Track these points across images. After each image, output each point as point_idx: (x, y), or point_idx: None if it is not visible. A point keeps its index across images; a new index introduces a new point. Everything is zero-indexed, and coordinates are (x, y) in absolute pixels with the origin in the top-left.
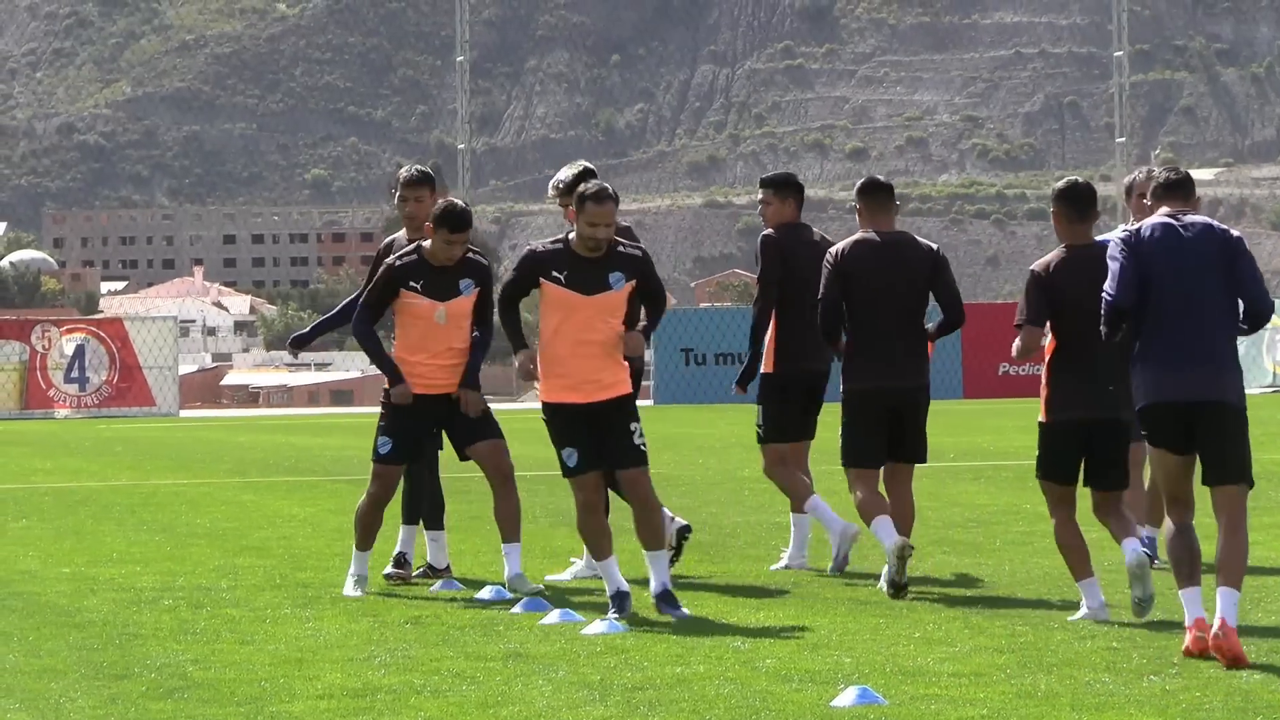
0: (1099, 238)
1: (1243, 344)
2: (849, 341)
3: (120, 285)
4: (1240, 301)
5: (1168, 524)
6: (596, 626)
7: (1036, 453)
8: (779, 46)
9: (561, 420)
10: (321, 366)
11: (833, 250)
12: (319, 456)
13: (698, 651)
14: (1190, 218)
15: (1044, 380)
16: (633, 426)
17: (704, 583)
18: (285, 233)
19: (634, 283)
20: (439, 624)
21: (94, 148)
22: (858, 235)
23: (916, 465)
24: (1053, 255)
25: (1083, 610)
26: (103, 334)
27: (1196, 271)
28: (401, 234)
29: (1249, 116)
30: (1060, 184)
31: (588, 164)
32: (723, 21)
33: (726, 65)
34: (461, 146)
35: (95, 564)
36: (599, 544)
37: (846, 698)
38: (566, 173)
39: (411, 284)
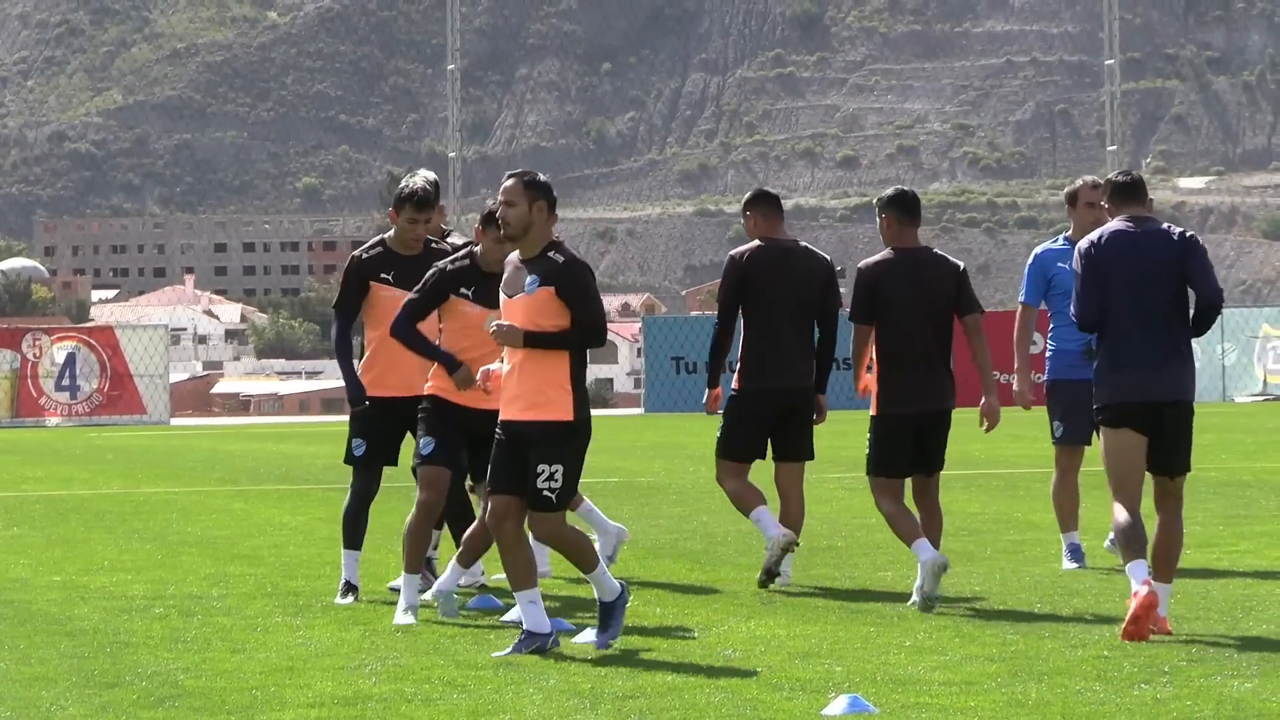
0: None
1: (1233, 352)
2: (745, 344)
3: (111, 293)
4: (1195, 298)
5: (1121, 511)
6: (587, 635)
7: (866, 449)
8: (770, 55)
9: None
10: (313, 375)
11: (732, 255)
12: (310, 465)
13: (688, 660)
14: (1146, 224)
15: (874, 377)
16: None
17: (695, 590)
18: (276, 241)
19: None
20: (430, 632)
21: (85, 156)
22: (756, 243)
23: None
24: (879, 256)
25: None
26: (94, 342)
27: (1156, 277)
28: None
29: (1240, 125)
30: (890, 192)
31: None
32: (714, 30)
33: (717, 73)
34: (452, 155)
35: (86, 572)
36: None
37: (837, 706)
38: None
39: (462, 291)
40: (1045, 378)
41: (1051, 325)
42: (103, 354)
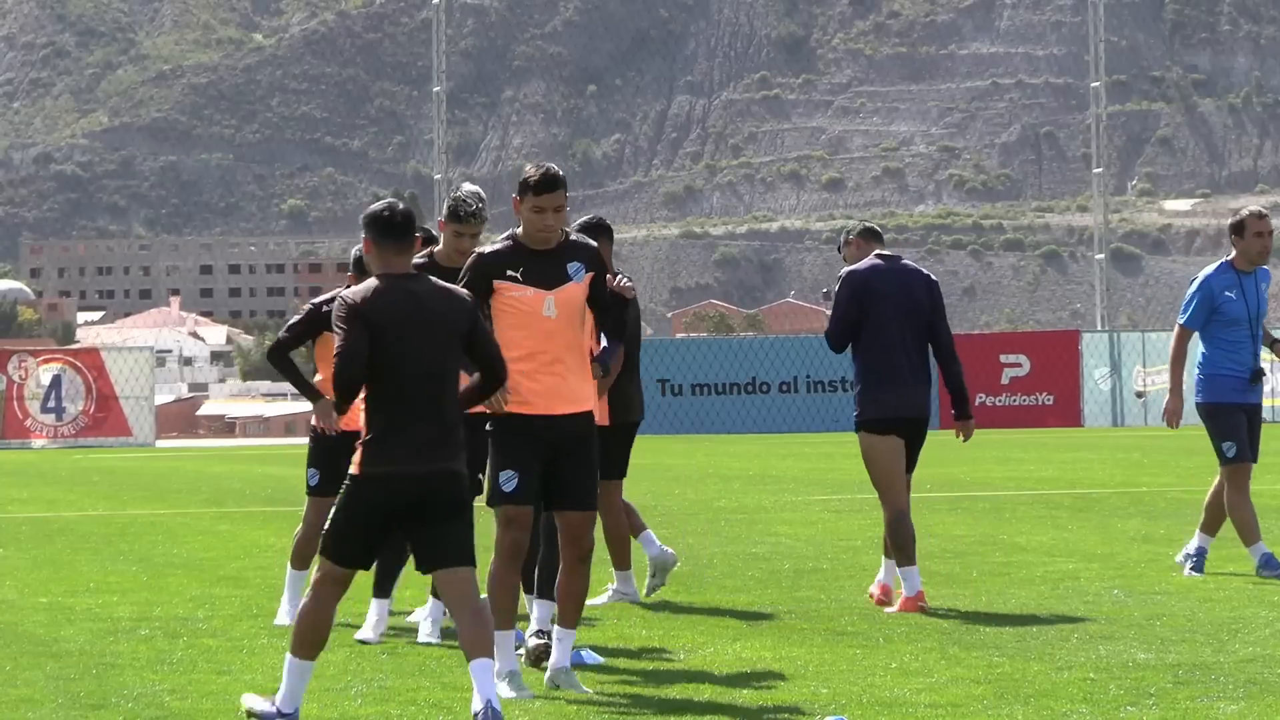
0: (1205, 271)
1: None
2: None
3: (97, 315)
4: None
5: (894, 512)
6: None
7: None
8: (755, 77)
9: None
10: (298, 397)
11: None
12: (296, 487)
13: (675, 682)
14: (898, 261)
15: (365, 428)
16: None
17: (681, 612)
18: (262, 263)
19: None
20: (415, 654)
21: (71, 178)
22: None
23: None
24: (368, 283)
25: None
26: (79, 364)
27: (910, 306)
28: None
29: (1226, 147)
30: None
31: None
32: (699, 52)
33: (703, 96)
34: (438, 177)
35: (72, 594)
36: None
37: None
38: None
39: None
40: (1201, 400)
41: (1207, 350)
42: (88, 376)
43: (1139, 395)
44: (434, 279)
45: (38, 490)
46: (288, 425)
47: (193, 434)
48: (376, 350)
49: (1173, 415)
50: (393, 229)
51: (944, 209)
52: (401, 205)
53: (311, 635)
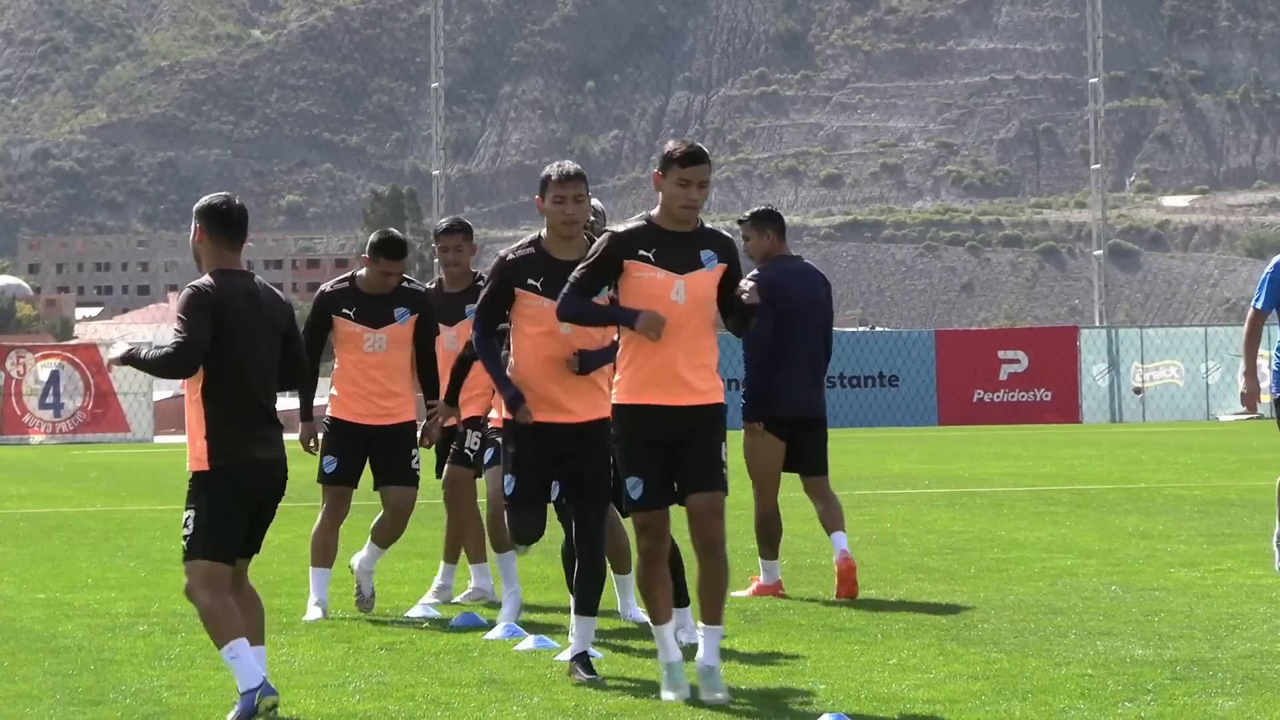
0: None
1: (1217, 371)
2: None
3: (95, 311)
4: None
5: (766, 509)
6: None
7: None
8: (753, 73)
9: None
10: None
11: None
12: (293, 483)
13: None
14: (799, 261)
15: (199, 421)
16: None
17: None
18: (260, 259)
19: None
20: (414, 650)
21: (69, 174)
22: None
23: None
24: (211, 277)
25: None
26: (77, 360)
27: (815, 309)
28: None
29: (1224, 143)
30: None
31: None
32: (697, 48)
33: (701, 92)
34: (436, 173)
35: (70, 590)
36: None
37: None
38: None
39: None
40: (1274, 391)
41: None
42: (86, 372)
43: (1137, 391)
44: (257, 278)
45: (36, 486)
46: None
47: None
48: (219, 344)
49: (1249, 398)
50: (228, 223)
51: (942, 205)
52: (237, 200)
53: (225, 623)
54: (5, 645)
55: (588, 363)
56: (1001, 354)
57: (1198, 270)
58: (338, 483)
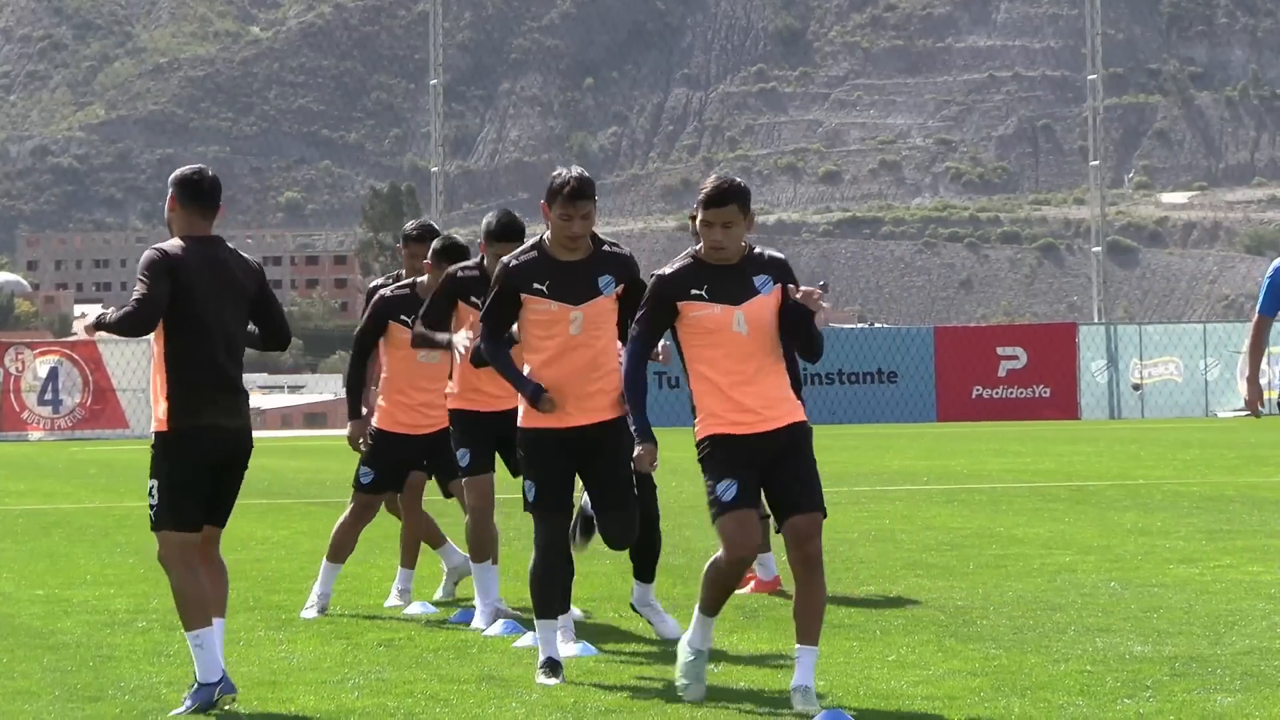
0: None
1: (1215, 368)
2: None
3: (94, 307)
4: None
5: None
6: (569, 649)
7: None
8: (752, 70)
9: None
10: (295, 389)
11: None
12: (292, 479)
13: (671, 674)
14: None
15: (162, 385)
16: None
17: (677, 606)
18: (259, 255)
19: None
20: (412, 647)
21: (68, 170)
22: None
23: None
24: (175, 240)
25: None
26: (76, 357)
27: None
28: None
29: (1222, 140)
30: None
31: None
32: (696, 45)
33: (700, 88)
34: (435, 170)
35: (69, 586)
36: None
37: None
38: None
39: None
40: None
41: None
42: (85, 368)
43: (1136, 388)
44: (229, 245)
45: (35, 483)
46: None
47: None
48: (176, 308)
49: (1250, 404)
50: (200, 194)
51: (941, 202)
52: (211, 172)
53: (196, 608)
54: (4, 641)
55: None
56: (1000, 350)
57: (1196, 267)
58: (371, 492)
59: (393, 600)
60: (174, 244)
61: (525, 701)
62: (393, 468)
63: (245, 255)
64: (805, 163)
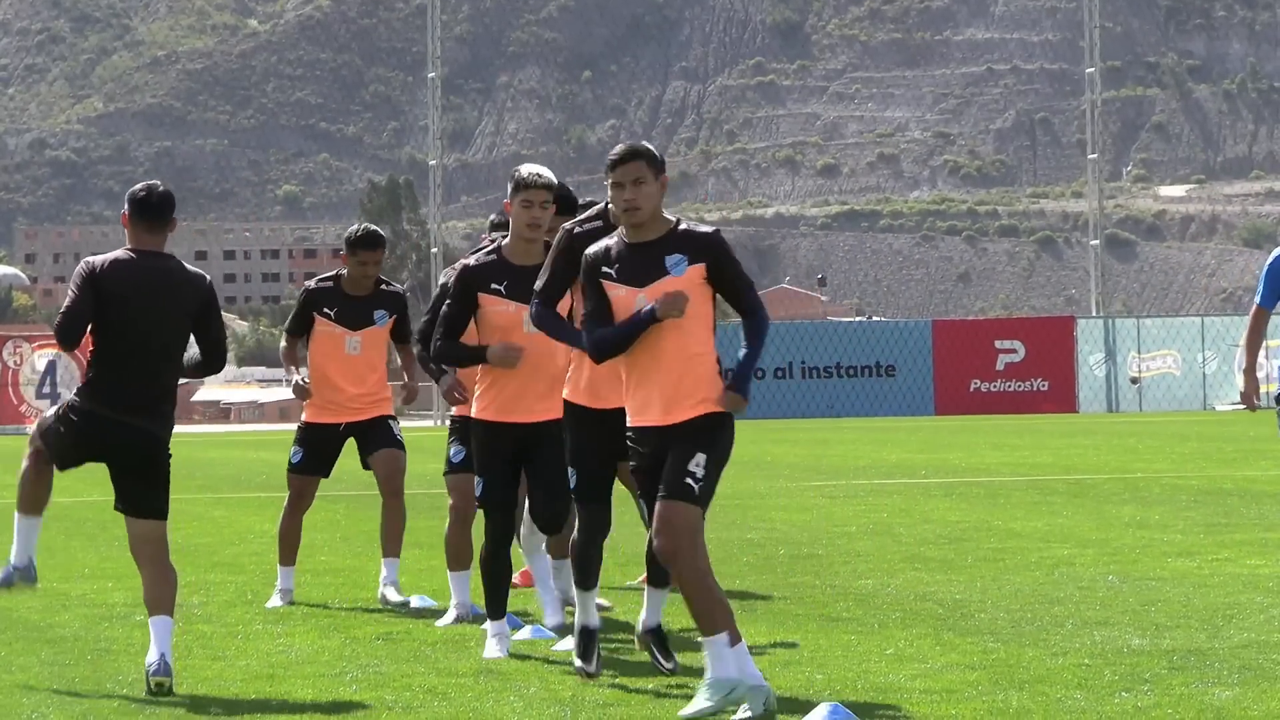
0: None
1: (1214, 361)
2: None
3: None
4: None
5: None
6: (568, 643)
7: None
8: (750, 63)
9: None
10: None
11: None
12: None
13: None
14: None
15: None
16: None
17: (675, 599)
18: (257, 249)
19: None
20: (410, 640)
21: (66, 163)
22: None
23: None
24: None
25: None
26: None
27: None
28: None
29: (1221, 133)
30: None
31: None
32: (694, 38)
33: (698, 81)
34: (433, 163)
35: (67, 580)
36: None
37: (818, 715)
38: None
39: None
40: (1278, 387)
41: None
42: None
43: (1134, 381)
44: (180, 261)
45: None
46: (282, 411)
47: (187, 420)
48: (105, 314)
49: (1246, 398)
50: (147, 210)
51: (939, 195)
52: (162, 188)
53: (32, 496)
54: (2, 635)
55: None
56: (998, 344)
57: (1194, 260)
58: (301, 473)
59: (389, 595)
60: (108, 255)
61: (523, 695)
62: (320, 452)
63: (197, 273)
64: (803, 156)
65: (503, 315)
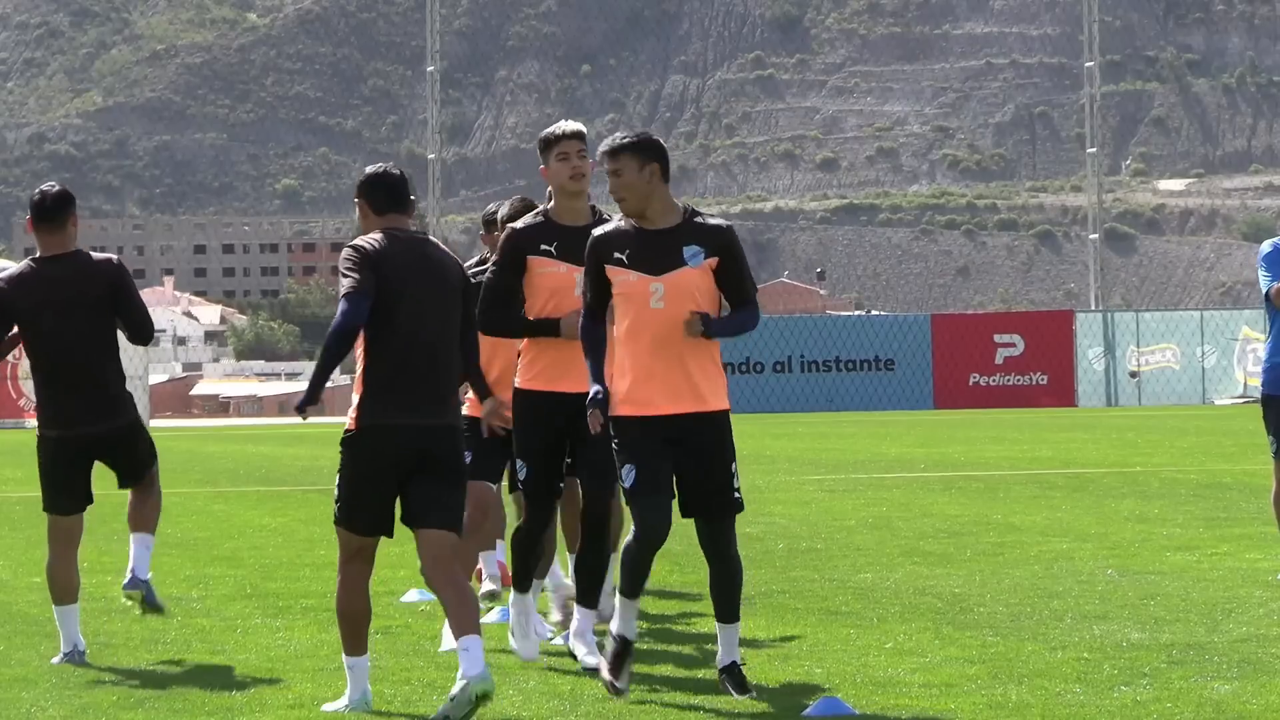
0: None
1: (1213, 355)
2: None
3: None
4: None
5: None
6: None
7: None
8: (749, 57)
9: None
10: (292, 376)
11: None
12: (289, 466)
13: (669, 661)
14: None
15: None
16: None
17: (676, 592)
18: (256, 243)
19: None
20: (409, 634)
21: (65, 158)
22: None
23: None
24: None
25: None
26: None
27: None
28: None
29: (1220, 127)
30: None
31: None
32: (693, 32)
33: (697, 75)
34: (432, 156)
35: None
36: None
37: (818, 708)
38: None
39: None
40: (1265, 391)
41: (1272, 337)
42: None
43: (1133, 375)
44: (83, 252)
45: (32, 470)
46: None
47: (186, 414)
48: (19, 321)
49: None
50: (41, 214)
51: (938, 189)
52: (57, 189)
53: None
54: (1, 629)
55: (714, 329)
56: (997, 338)
57: (1194, 254)
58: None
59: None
60: (14, 268)
61: (522, 689)
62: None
63: (97, 258)
64: (802, 150)
65: (554, 277)
